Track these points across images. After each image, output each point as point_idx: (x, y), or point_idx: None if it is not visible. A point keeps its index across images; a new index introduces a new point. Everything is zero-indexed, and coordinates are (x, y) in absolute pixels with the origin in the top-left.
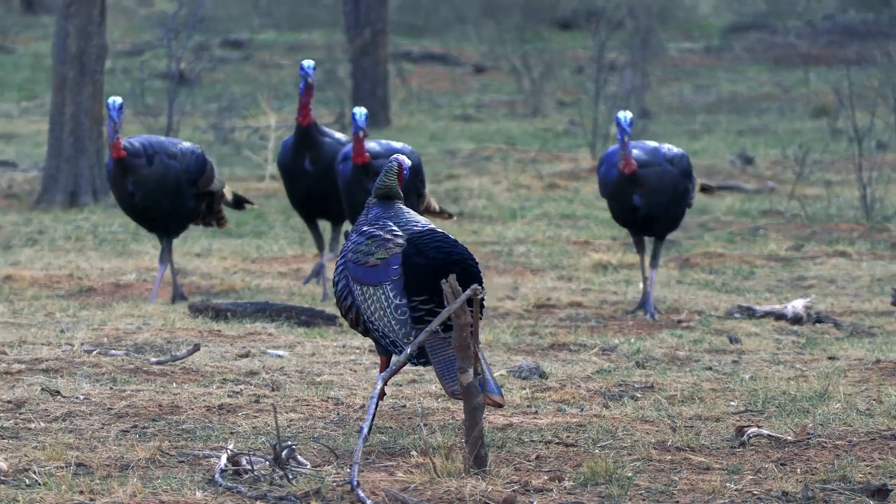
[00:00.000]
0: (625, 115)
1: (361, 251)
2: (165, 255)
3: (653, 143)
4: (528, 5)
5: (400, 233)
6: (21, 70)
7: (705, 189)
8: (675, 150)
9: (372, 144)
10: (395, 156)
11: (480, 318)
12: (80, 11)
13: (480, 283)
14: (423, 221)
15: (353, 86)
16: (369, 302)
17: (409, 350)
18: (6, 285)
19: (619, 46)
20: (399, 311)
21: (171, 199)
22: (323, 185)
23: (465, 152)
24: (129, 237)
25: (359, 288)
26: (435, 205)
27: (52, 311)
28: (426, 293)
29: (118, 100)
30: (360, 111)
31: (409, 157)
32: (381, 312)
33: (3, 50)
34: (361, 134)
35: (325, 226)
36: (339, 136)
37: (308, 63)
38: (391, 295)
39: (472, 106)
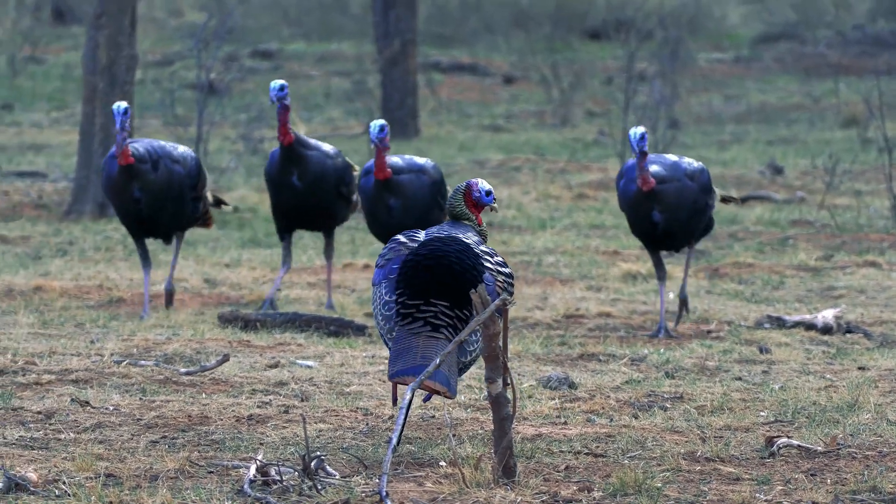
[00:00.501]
0: (635, 132)
1: (381, 255)
2: (175, 257)
3: (673, 157)
4: (557, 15)
5: (421, 238)
6: (51, 80)
7: (727, 200)
8: (696, 164)
9: (395, 159)
10: (471, 179)
11: (502, 324)
12: (111, 22)
13: (472, 283)
14: (466, 237)
15: (382, 96)
16: (373, 301)
17: (437, 360)
18: (36, 296)
19: (649, 57)
20: (386, 308)
21: (175, 204)
22: (312, 199)
23: (495, 162)
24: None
25: (372, 289)
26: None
27: (81, 322)
28: (405, 288)
29: (123, 104)
30: (375, 124)
31: (431, 172)
32: (377, 310)
33: (33, 60)
34: (382, 148)
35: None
36: (327, 147)
37: (274, 84)
38: (384, 292)
39: (501, 116)
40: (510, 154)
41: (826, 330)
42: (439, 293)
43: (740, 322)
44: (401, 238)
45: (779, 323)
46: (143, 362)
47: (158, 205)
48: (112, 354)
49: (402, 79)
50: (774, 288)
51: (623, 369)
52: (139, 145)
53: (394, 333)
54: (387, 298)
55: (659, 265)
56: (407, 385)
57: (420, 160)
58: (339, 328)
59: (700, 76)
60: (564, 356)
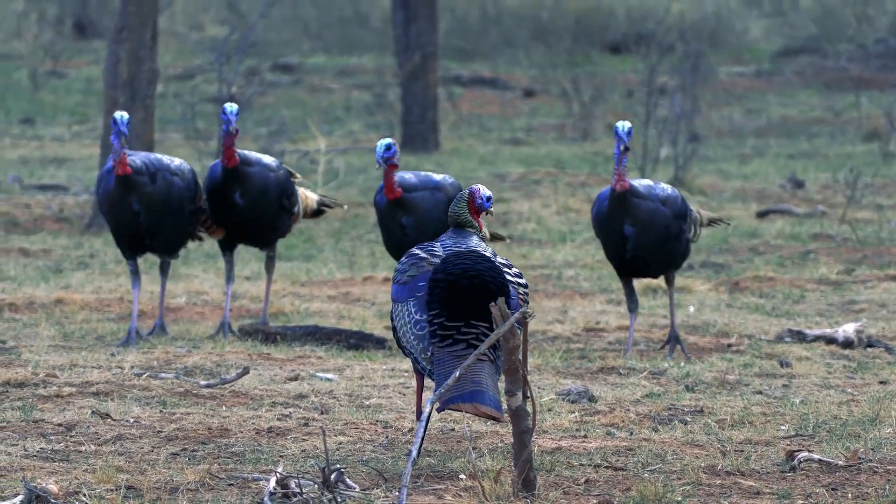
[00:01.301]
0: (623, 125)
1: (399, 270)
2: (165, 268)
3: (648, 182)
4: (577, 29)
5: (440, 253)
6: (73, 94)
7: (715, 222)
8: (670, 189)
9: (408, 176)
10: (472, 185)
11: (522, 337)
12: (132, 36)
13: (506, 299)
14: (483, 249)
15: (402, 110)
16: (397, 319)
17: (456, 373)
18: (57, 308)
19: (670, 70)
20: (418, 327)
21: (175, 217)
22: (253, 214)
23: (515, 176)
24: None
25: (393, 305)
26: (485, 231)
27: (102, 335)
28: (441, 308)
29: (125, 115)
30: (381, 143)
31: (448, 189)
32: (406, 328)
33: (55, 74)
34: (387, 167)
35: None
36: (268, 160)
37: (231, 108)
38: (413, 311)
39: (521, 130)
40: (531, 167)
41: (847, 344)
42: (478, 314)
43: (761, 336)
44: (419, 253)
45: (799, 337)
46: (163, 375)
47: (158, 218)
48: (132, 367)
49: (423, 92)
50: (795, 302)
51: (643, 383)
52: (136, 158)
53: (428, 353)
54: (417, 317)
55: (630, 295)
56: (462, 412)
57: (437, 177)
58: (358, 341)
59: (721, 90)
60: (584, 369)
